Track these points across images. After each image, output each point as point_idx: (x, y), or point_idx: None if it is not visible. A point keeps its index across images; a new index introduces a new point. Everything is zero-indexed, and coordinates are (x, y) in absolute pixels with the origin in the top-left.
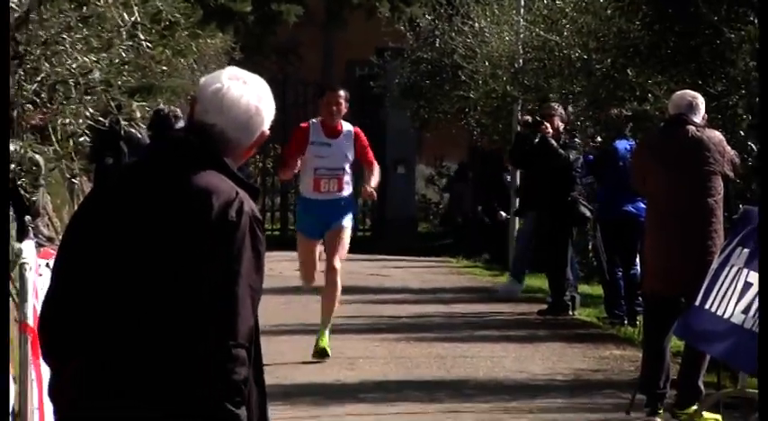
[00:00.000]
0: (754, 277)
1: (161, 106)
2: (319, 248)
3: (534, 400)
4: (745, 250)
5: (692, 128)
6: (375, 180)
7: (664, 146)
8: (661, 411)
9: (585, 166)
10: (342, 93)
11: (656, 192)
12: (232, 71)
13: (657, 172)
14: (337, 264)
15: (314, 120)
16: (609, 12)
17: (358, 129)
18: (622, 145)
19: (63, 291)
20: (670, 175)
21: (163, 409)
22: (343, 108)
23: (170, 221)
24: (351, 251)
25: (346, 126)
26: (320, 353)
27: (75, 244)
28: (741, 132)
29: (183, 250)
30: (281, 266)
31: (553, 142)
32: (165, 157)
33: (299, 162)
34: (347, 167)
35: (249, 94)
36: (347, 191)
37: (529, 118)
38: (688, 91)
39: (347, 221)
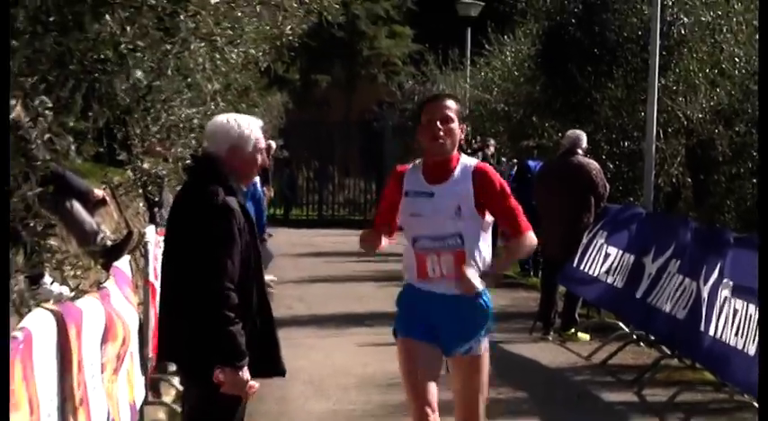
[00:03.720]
0: (611, 250)
1: None
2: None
3: None
4: (605, 232)
5: (577, 156)
6: (505, 261)
7: (559, 168)
8: (551, 332)
9: (511, 176)
10: (450, 102)
11: (551, 196)
12: (223, 114)
13: (553, 184)
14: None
15: (416, 163)
16: (521, 80)
17: (483, 165)
18: (532, 163)
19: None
20: (561, 186)
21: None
22: (456, 128)
23: (181, 217)
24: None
25: (465, 162)
26: None
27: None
28: (603, 156)
29: (188, 234)
30: (317, 240)
31: (491, 160)
32: (189, 176)
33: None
34: (470, 234)
35: (226, 124)
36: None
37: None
38: (575, 130)
39: (480, 342)
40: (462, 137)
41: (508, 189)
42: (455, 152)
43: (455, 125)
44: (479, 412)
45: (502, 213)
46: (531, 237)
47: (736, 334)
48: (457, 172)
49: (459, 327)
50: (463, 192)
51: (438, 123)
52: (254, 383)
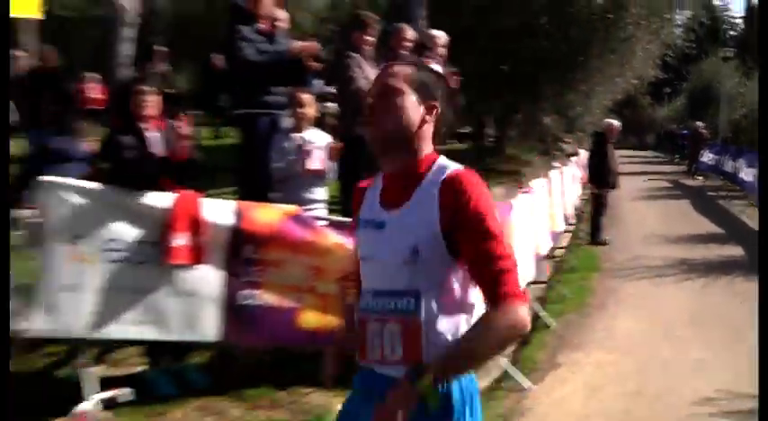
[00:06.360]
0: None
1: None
2: None
3: None
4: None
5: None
6: (452, 358)
7: None
8: None
9: None
10: (398, 67)
11: None
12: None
13: None
14: None
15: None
16: None
17: (461, 173)
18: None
19: None
20: None
21: None
22: (407, 107)
23: None
24: None
25: (439, 168)
26: None
27: None
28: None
29: None
30: None
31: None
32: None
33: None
34: (432, 293)
35: (604, 122)
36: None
37: None
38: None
39: None
40: (430, 120)
41: (496, 218)
42: (423, 151)
43: (405, 100)
44: None
45: (474, 263)
46: (515, 315)
47: None
48: (423, 186)
49: None
50: (421, 221)
51: (371, 102)
52: None
